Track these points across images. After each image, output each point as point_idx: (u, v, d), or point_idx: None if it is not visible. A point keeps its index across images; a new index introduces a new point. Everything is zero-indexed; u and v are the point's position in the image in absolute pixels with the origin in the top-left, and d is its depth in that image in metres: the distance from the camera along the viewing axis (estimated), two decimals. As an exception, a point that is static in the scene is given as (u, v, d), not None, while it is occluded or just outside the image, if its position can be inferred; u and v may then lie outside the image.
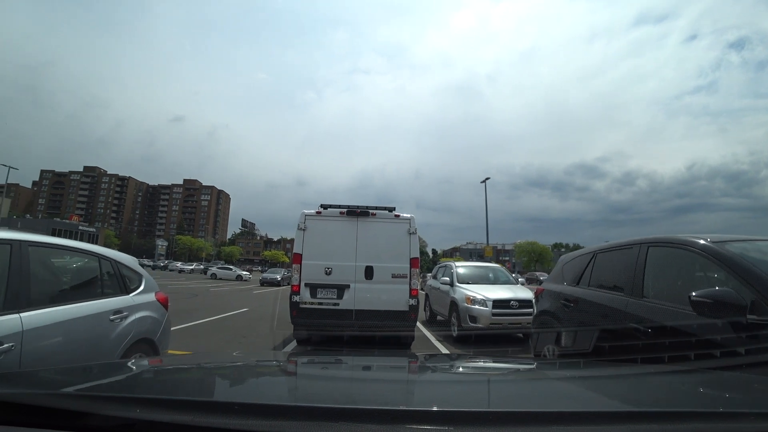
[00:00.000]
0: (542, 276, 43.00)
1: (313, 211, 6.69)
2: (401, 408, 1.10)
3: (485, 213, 32.83)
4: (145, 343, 3.56)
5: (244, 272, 38.94)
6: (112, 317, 3.19)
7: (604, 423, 0.92)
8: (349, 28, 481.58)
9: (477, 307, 7.65)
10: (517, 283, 9.46)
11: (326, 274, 6.44)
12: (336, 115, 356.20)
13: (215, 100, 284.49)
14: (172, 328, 8.76)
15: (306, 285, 6.44)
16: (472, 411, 1.02)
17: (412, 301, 6.45)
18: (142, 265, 4.26)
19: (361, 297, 6.38)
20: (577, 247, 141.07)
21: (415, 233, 6.70)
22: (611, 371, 1.99)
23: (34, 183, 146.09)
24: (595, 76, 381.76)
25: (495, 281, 9.33)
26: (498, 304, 7.65)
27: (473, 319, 7.59)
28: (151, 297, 3.97)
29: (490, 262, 20.70)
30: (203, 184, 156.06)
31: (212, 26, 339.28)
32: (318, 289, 6.44)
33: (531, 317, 7.74)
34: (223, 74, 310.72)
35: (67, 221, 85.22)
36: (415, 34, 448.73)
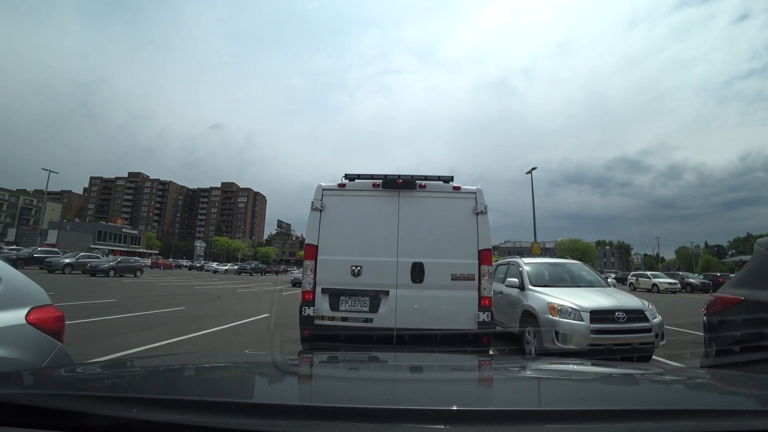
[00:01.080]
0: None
1: (334, 184, 4.69)
2: (399, 407, 1.01)
3: (532, 206, 30.07)
4: None
5: None
6: None
7: (603, 421, 0.89)
8: (379, 29, 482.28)
9: (567, 320, 5.41)
10: (608, 284, 7.11)
11: (353, 275, 4.42)
12: (369, 116, 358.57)
13: (252, 107, 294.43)
14: (165, 342, 7.16)
15: (323, 291, 4.44)
16: (469, 410, 1.00)
17: (484, 316, 4.32)
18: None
19: (405, 310, 4.33)
20: (622, 245, 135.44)
21: (485, 213, 4.57)
22: (608, 370, 1.92)
23: (85, 189, 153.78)
24: (636, 65, 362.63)
25: (578, 283, 7.00)
26: (598, 316, 5.38)
27: (562, 337, 5.36)
28: (15, 317, 2.08)
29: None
30: (240, 186, 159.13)
31: (248, 36, 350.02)
32: (341, 298, 4.42)
33: (645, 336, 5.48)
34: (258, 81, 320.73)
35: (112, 224, 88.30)
36: (445, 31, 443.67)
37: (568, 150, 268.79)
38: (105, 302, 12.29)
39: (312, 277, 4.42)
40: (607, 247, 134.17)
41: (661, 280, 31.86)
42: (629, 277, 36.46)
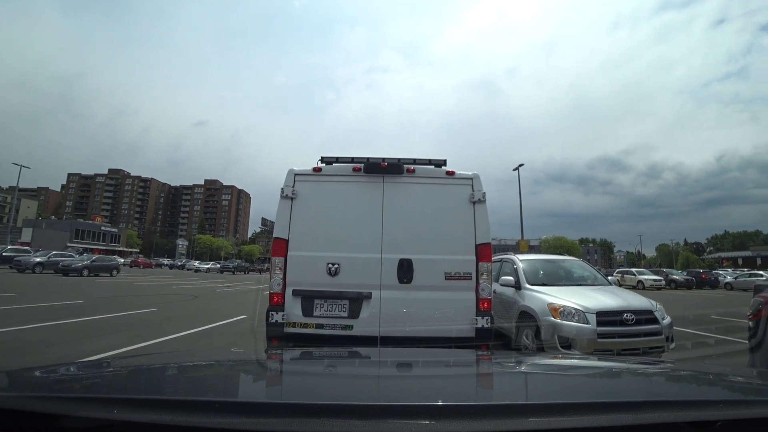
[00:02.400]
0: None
1: (308, 169, 4.06)
2: (384, 403, 1.02)
3: (519, 202, 29.88)
4: None
5: None
6: None
7: (584, 413, 0.91)
8: (366, 27, 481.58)
9: (571, 323, 4.88)
10: (608, 282, 6.63)
11: (330, 274, 3.81)
12: (356, 114, 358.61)
13: (238, 104, 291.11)
14: (124, 349, 6.42)
15: (294, 293, 3.80)
16: (454, 405, 0.99)
17: (483, 321, 3.74)
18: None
19: (391, 315, 3.72)
20: (605, 242, 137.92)
21: (484, 202, 3.99)
22: (594, 364, 2.02)
23: (63, 186, 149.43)
24: (618, 66, 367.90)
25: (578, 281, 6.51)
26: (605, 318, 4.86)
27: (565, 341, 4.84)
28: None
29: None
30: (224, 184, 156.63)
31: (233, 33, 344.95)
32: (316, 302, 3.80)
33: (654, 339, 4.96)
34: (244, 78, 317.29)
35: (90, 222, 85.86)
36: (432, 30, 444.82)
37: (551, 149, 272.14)
38: (70, 304, 11.41)
39: (281, 276, 3.79)
40: (590, 245, 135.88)
41: (646, 276, 32.01)
42: (614, 273, 36.58)
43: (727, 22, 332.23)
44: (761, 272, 33.97)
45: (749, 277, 31.04)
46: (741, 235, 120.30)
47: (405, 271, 3.81)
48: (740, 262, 65.02)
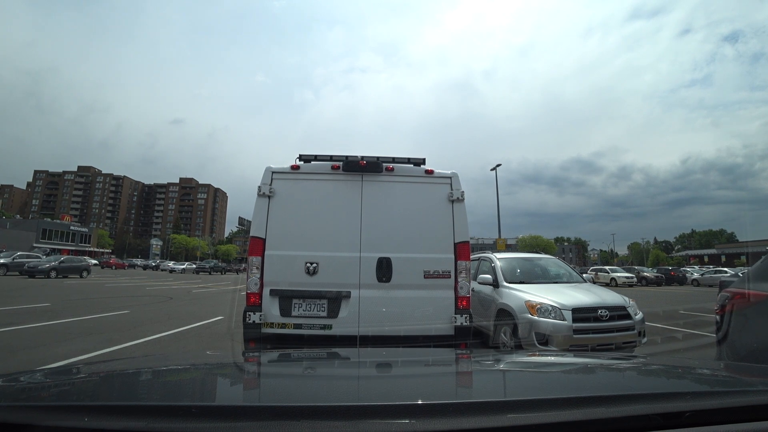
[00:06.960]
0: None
1: (286, 167, 4.00)
2: (364, 404, 1.03)
3: (497, 202, 30.47)
4: None
5: None
6: None
7: (559, 408, 0.93)
8: (345, 27, 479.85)
9: (547, 319, 4.96)
10: (583, 279, 6.77)
11: (308, 273, 3.77)
12: (334, 114, 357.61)
13: (214, 102, 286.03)
14: (96, 353, 6.18)
15: (272, 293, 3.75)
16: (433, 403, 0.97)
17: (462, 319, 3.76)
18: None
19: (370, 314, 3.71)
20: (579, 241, 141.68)
21: (462, 200, 4.01)
22: (569, 360, 2.09)
23: (28, 184, 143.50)
24: (591, 71, 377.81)
25: (554, 279, 6.63)
26: (580, 314, 4.96)
27: (542, 338, 4.92)
28: None
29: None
30: (200, 182, 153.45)
31: (211, 30, 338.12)
32: (294, 301, 3.75)
33: (628, 334, 5.11)
34: (221, 76, 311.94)
35: (59, 221, 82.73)
36: (410, 32, 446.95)
37: (526, 150, 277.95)
38: (36, 307, 10.93)
39: (258, 276, 3.73)
40: (566, 244, 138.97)
41: (618, 274, 32.99)
42: (589, 271, 37.55)
43: (693, 32, 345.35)
44: (726, 269, 35.50)
45: (715, 273, 32.36)
46: (707, 233, 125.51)
47: (384, 269, 3.80)
48: (706, 259, 67.87)
